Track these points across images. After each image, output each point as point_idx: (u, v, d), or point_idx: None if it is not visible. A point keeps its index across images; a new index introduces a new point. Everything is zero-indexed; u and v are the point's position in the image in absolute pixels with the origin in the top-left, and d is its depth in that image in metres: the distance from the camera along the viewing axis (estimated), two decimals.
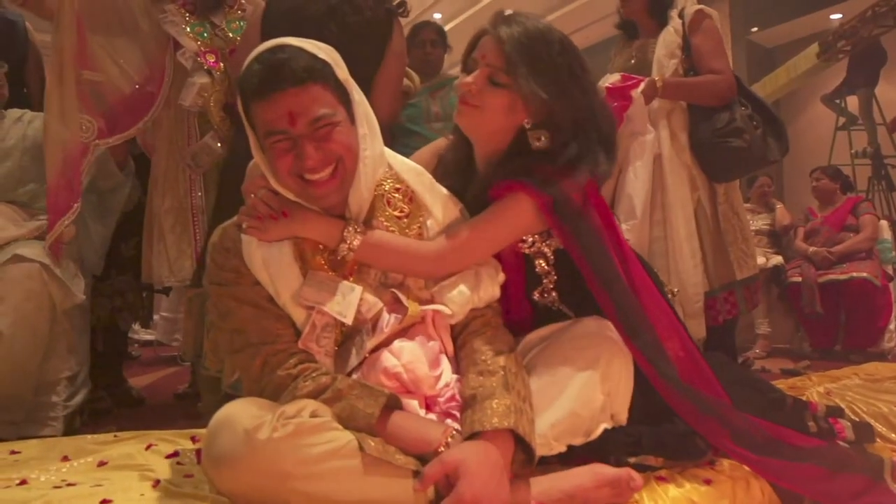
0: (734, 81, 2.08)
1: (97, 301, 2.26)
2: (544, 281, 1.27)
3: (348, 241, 1.12)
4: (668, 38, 2.10)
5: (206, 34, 2.01)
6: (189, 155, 1.98)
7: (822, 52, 5.85)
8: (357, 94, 1.14)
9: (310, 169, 1.06)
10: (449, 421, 1.07)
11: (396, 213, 1.19)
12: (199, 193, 2.00)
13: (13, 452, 1.40)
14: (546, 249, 1.26)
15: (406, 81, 2.16)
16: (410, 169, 1.24)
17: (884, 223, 4.21)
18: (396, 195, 1.20)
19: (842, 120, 6.67)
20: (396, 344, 1.11)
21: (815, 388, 2.10)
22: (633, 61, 2.20)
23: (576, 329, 1.17)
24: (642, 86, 1.89)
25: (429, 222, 1.20)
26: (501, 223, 1.20)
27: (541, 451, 1.06)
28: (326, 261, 1.15)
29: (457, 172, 1.32)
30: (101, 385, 2.32)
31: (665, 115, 2.11)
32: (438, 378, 1.11)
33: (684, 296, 2.01)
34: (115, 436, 1.56)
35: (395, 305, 1.15)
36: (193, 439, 1.49)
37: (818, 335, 3.92)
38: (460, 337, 1.18)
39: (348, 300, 1.11)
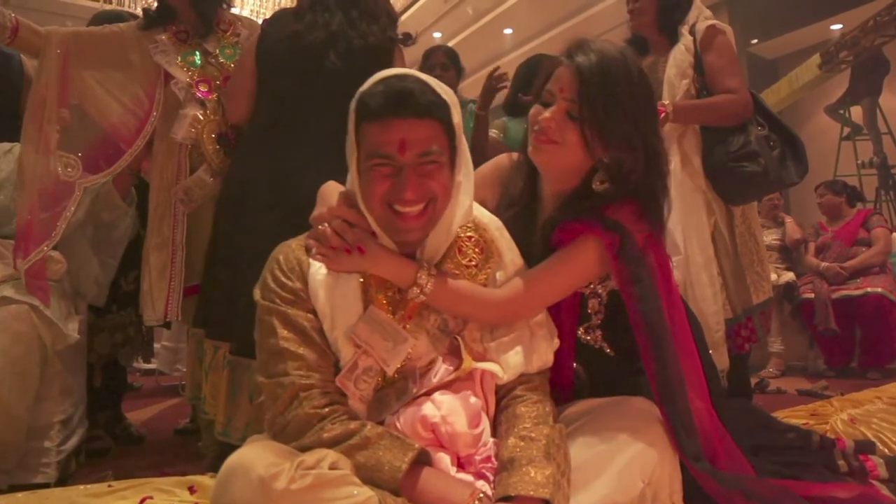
0: (750, 100, 2.00)
1: (97, 337, 2.21)
2: (592, 318, 1.26)
3: (421, 285, 1.09)
4: (679, 57, 2.02)
5: (198, 63, 1.95)
6: (181, 190, 1.92)
7: (824, 62, 5.84)
8: (462, 143, 1.12)
9: (405, 200, 1.05)
10: (481, 483, 1.02)
11: (465, 262, 1.17)
12: (181, 230, 1.94)
13: None
14: (601, 291, 1.25)
15: None
16: (492, 221, 1.22)
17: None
18: (469, 244, 1.18)
19: (846, 130, 6.63)
20: (438, 396, 1.07)
21: (839, 416, 2.04)
22: None
23: (623, 408, 1.11)
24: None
25: (498, 274, 1.18)
26: (569, 270, 1.17)
27: None
28: (388, 300, 1.12)
29: (521, 204, 1.29)
30: (100, 423, 2.26)
31: (676, 138, 2.04)
32: (477, 437, 1.06)
33: (704, 325, 1.92)
34: (110, 485, 1.50)
35: (449, 356, 1.12)
36: (191, 489, 1.43)
37: (833, 353, 3.84)
38: (504, 399, 1.14)
39: (397, 349, 1.08)
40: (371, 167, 1.05)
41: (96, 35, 1.93)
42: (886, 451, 1.73)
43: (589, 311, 1.25)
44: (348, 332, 1.07)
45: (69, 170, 1.82)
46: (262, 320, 1.10)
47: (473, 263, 1.17)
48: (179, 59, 1.93)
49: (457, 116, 1.09)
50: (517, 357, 1.12)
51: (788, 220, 4.41)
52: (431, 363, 1.10)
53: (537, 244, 1.22)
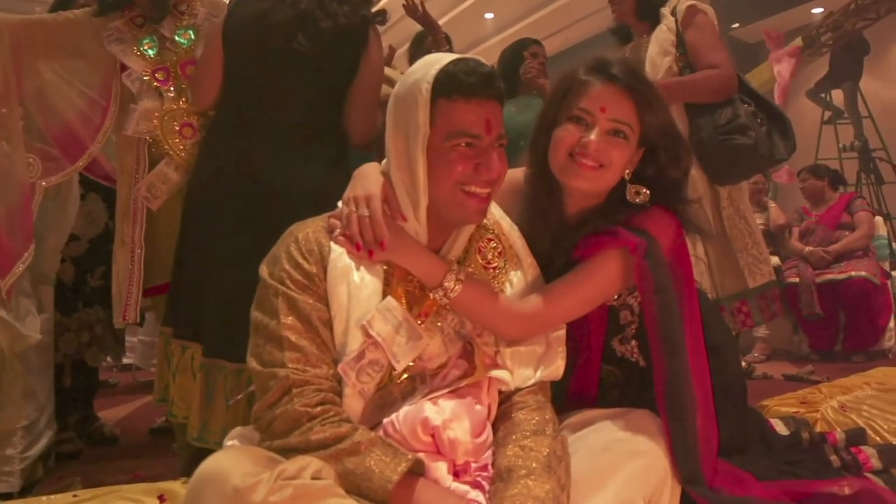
0: (734, 74, 1.92)
1: (63, 337, 2.11)
2: (626, 329, 1.24)
3: (447, 288, 1.05)
4: (661, 36, 1.97)
5: (154, 49, 1.84)
6: (144, 186, 1.81)
7: (807, 46, 5.83)
8: None
9: (488, 181, 1.04)
10: (476, 493, 0.97)
11: (483, 264, 1.14)
12: (140, 227, 1.84)
13: None
14: (632, 302, 1.23)
15: (387, 89, 2.02)
16: (513, 228, 1.19)
17: (879, 219, 4.16)
18: (491, 244, 1.15)
19: (827, 114, 6.65)
20: (442, 399, 1.02)
21: (829, 403, 2.02)
22: None
23: (626, 422, 1.07)
24: None
25: (516, 276, 1.15)
26: (594, 282, 1.14)
27: None
28: (406, 294, 1.07)
29: (544, 222, 1.22)
30: (70, 425, 2.19)
31: None
32: (479, 447, 1.01)
33: None
34: (75, 495, 1.43)
35: (459, 361, 1.07)
36: (161, 498, 1.36)
37: (818, 336, 3.85)
38: (503, 405, 1.09)
39: (409, 346, 1.02)
40: (452, 147, 1.01)
41: (48, 23, 1.82)
42: (878, 438, 1.71)
43: (621, 322, 1.23)
44: (360, 320, 1.01)
45: (29, 170, 1.73)
46: (265, 299, 1.02)
47: (493, 266, 1.14)
48: (136, 47, 1.82)
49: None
50: (528, 370, 1.09)
51: (772, 205, 4.41)
52: (441, 366, 1.06)
53: (558, 260, 1.17)
